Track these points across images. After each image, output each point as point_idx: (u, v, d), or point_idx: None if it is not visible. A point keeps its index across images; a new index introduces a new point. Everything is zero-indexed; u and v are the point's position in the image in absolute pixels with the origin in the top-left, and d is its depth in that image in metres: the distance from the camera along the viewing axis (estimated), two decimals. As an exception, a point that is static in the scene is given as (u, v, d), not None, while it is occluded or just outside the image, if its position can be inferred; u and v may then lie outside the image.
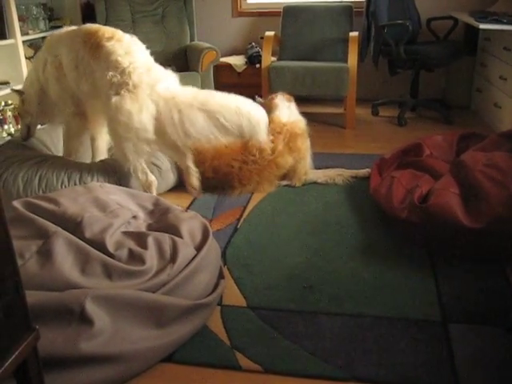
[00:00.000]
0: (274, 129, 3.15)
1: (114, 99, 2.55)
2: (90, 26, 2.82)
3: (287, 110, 3.34)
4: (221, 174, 3.08)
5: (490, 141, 2.74)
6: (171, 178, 3.16)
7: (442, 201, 2.32)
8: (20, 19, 3.99)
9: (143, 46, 2.75)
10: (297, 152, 3.16)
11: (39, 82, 3.00)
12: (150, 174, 2.81)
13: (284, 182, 3.20)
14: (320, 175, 3.25)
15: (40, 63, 2.96)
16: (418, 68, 4.46)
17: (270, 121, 3.17)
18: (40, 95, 3.04)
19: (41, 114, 3.12)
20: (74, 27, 2.91)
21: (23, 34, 4.02)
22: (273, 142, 3.10)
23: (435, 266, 2.27)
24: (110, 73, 2.56)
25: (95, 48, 2.64)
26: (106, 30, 2.72)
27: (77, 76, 2.76)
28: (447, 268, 2.24)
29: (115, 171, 2.95)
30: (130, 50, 2.64)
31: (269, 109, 3.35)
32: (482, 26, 3.78)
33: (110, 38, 2.65)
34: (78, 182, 2.87)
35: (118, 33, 2.72)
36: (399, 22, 4.25)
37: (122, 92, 2.54)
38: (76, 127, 3.00)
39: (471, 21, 3.97)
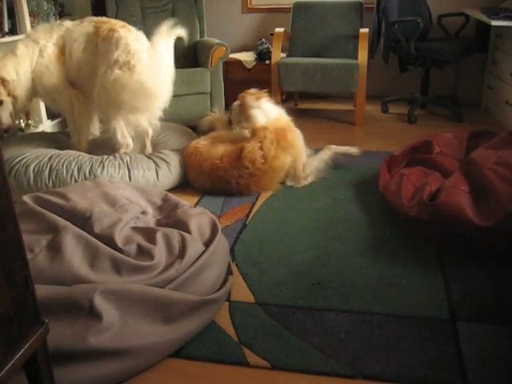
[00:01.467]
0: (259, 136, 3.05)
1: (116, 72, 2.90)
2: (99, 17, 3.19)
3: (259, 111, 3.21)
4: (219, 187, 3.04)
5: (501, 139, 2.72)
6: (179, 174, 3.17)
7: (452, 199, 2.31)
8: (31, 15, 4.00)
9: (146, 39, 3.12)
10: (290, 148, 3.08)
11: (32, 70, 3.12)
12: (129, 137, 3.13)
13: (288, 183, 3.14)
14: (316, 163, 3.20)
15: (35, 52, 3.09)
16: (428, 65, 4.43)
17: (253, 130, 3.12)
18: (31, 83, 3.16)
19: (26, 101, 3.24)
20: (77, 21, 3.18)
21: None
22: (261, 149, 3.00)
23: (444, 263, 2.26)
24: (118, 52, 2.92)
25: (107, 31, 2.99)
26: (118, 21, 3.12)
27: (82, 59, 3.05)
28: (456, 266, 2.23)
29: (125, 164, 3.02)
30: (138, 38, 3.05)
31: (243, 111, 3.28)
32: (494, 23, 3.75)
33: (123, 26, 3.04)
34: (87, 173, 2.91)
35: (128, 24, 3.11)
36: (410, 18, 4.23)
37: (124, 69, 2.90)
38: (77, 110, 3.22)
39: (483, 17, 3.94)
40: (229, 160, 3.03)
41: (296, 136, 3.17)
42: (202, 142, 3.23)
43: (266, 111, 3.23)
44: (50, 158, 2.99)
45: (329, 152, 3.28)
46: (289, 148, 3.08)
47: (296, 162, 3.13)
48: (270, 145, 3.02)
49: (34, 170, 2.92)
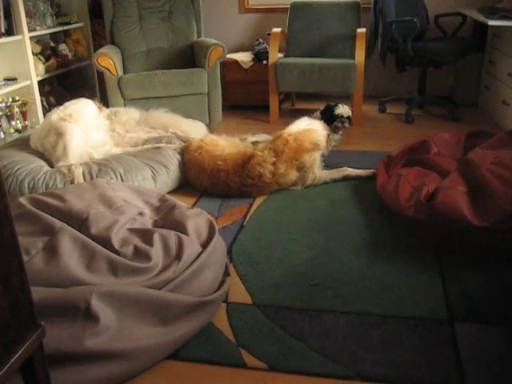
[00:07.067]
0: (278, 146, 2.96)
1: None
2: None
3: (302, 124, 3.19)
4: (219, 188, 3.00)
5: (498, 139, 2.72)
6: (177, 177, 3.15)
7: (449, 199, 2.31)
8: (27, 15, 4.00)
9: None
10: (302, 169, 3.02)
11: None
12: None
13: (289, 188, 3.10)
14: (328, 179, 3.16)
15: None
16: (425, 65, 4.43)
17: (278, 137, 3.06)
18: None
19: None
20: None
21: (30, 30, 4.02)
22: (274, 164, 2.93)
23: (442, 264, 2.25)
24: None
25: None
26: None
27: None
28: (454, 266, 2.23)
29: (117, 177, 2.92)
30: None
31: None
32: (492, 23, 3.75)
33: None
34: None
35: None
36: (407, 18, 4.23)
37: None
38: None
39: (480, 17, 3.94)
40: (233, 164, 2.96)
41: (314, 157, 3.05)
42: (207, 140, 3.19)
43: (312, 125, 3.21)
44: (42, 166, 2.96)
45: (343, 173, 3.21)
46: (299, 168, 3.02)
47: (304, 175, 3.06)
48: (284, 163, 2.95)
49: (29, 186, 2.82)
